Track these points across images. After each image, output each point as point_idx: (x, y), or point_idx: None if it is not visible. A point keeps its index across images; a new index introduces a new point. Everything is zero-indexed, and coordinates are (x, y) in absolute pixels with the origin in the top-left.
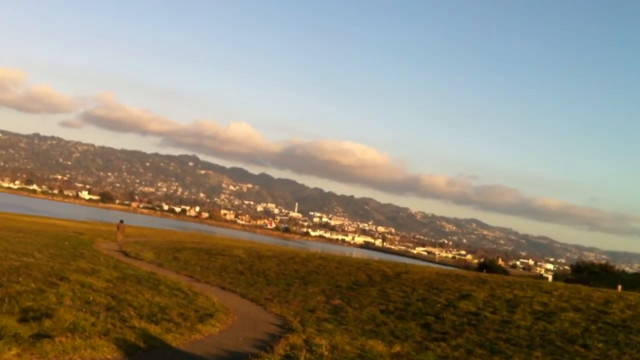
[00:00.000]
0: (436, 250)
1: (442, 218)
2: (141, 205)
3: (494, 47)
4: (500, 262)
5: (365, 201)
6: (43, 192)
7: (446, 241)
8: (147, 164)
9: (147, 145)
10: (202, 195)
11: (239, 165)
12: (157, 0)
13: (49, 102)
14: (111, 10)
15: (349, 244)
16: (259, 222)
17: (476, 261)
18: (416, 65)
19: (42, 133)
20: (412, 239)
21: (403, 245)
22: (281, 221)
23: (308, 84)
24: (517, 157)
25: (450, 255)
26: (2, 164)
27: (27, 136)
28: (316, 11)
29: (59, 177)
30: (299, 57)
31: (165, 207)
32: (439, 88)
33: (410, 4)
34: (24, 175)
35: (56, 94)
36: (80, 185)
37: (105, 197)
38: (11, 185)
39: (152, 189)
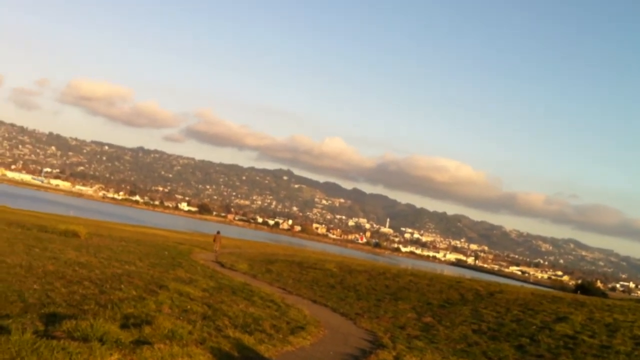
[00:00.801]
0: (531, 270)
1: (538, 237)
2: (236, 218)
3: (597, 58)
4: (599, 284)
5: (458, 218)
6: (145, 203)
7: (542, 261)
8: (243, 178)
9: (243, 159)
10: (295, 208)
11: (332, 180)
12: (254, 21)
13: (154, 117)
14: (213, 31)
15: (440, 261)
16: (350, 237)
17: (573, 283)
18: (514, 80)
19: (146, 147)
20: (505, 258)
21: (496, 264)
22: (372, 236)
23: (403, 99)
24: (621, 177)
25: (545, 276)
26: (108, 175)
27: (132, 149)
28: (410, 26)
29: (161, 188)
30: (393, 73)
31: (259, 220)
32: (538, 104)
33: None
34: (128, 187)
35: (161, 110)
36: (180, 197)
37: (203, 209)
38: (115, 195)
39: (247, 202)
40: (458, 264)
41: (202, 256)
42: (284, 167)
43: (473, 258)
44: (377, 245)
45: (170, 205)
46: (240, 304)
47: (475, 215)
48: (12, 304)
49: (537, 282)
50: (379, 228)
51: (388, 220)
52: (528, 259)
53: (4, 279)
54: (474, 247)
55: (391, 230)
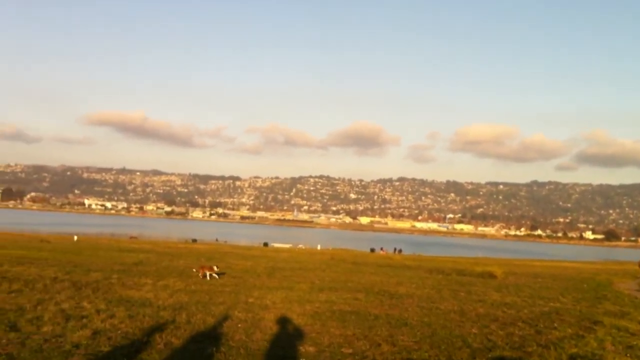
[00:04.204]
0: None
1: None
2: None
3: None
4: None
5: None
6: (548, 236)
7: None
8: None
9: None
10: None
11: None
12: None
13: (542, 149)
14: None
15: None
16: None
17: None
18: None
19: (540, 179)
20: None
21: None
22: None
23: None
24: None
25: None
26: (506, 213)
27: (526, 184)
28: None
29: (561, 220)
30: None
31: None
32: None
33: None
34: (528, 222)
35: (548, 141)
36: (582, 225)
37: (611, 235)
38: (517, 232)
39: None
40: None
41: (624, 286)
42: None
43: None
44: None
45: (574, 236)
46: None
47: None
48: (460, 350)
49: None
50: None
51: None
52: None
53: (444, 325)
54: None
55: None
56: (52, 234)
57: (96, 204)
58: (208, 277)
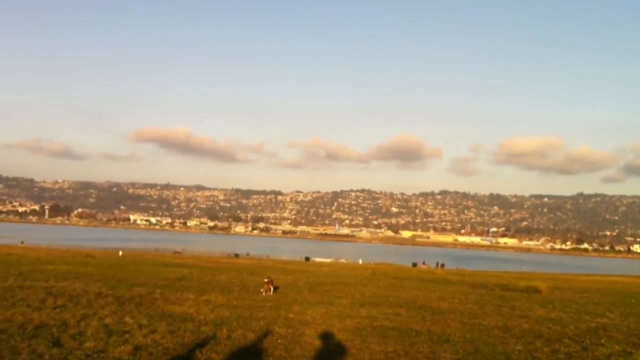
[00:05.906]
0: None
1: None
2: None
3: None
4: None
5: None
6: (594, 250)
7: None
8: None
9: None
10: None
11: None
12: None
13: (588, 161)
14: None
15: None
16: None
17: None
18: None
19: (586, 192)
20: None
21: None
22: None
23: None
24: None
25: None
26: (551, 226)
27: (571, 197)
28: None
29: (608, 233)
30: None
31: None
32: None
33: None
34: (574, 235)
35: (594, 152)
36: (630, 238)
37: None
38: (563, 246)
39: None
40: None
41: None
42: None
43: None
44: None
45: (622, 249)
46: None
47: None
48: None
49: None
50: None
51: None
52: None
53: (487, 341)
54: None
55: None
56: (97, 249)
57: (141, 220)
58: (272, 292)
